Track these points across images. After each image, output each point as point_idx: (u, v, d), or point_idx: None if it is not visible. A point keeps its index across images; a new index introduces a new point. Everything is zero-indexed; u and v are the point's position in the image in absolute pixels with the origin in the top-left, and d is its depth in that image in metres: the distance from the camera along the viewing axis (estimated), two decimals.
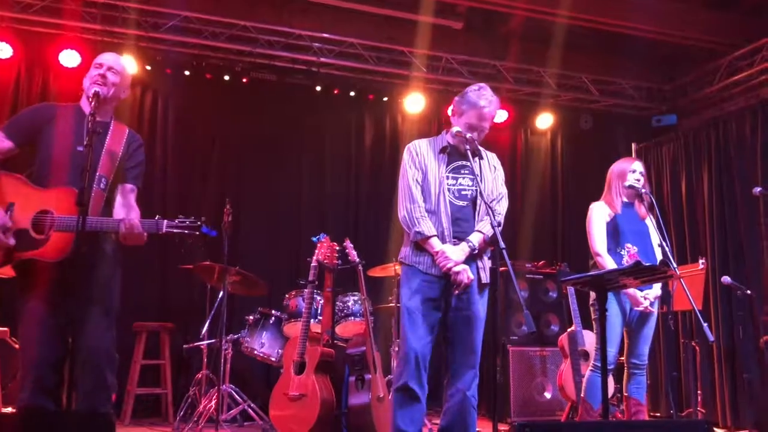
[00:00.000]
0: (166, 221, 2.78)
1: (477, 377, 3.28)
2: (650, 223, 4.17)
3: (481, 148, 3.42)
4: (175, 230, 2.77)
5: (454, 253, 3.19)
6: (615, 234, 4.04)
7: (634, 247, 4.01)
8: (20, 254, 2.76)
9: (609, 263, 3.93)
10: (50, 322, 2.70)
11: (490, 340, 3.53)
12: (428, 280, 3.26)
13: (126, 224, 2.74)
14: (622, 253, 4.00)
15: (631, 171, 4.16)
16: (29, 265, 2.78)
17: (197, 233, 2.77)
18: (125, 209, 2.91)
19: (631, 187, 4.10)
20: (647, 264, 3.17)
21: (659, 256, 4.09)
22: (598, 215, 4.10)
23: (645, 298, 3.96)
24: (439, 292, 3.26)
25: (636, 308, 3.98)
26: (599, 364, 3.92)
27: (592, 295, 4.10)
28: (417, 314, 3.24)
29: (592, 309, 4.09)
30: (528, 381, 5.81)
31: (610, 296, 3.88)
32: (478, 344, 3.28)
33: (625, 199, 4.16)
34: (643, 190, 4.24)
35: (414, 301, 3.26)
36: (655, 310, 4.05)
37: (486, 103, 3.31)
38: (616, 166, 4.25)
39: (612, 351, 3.89)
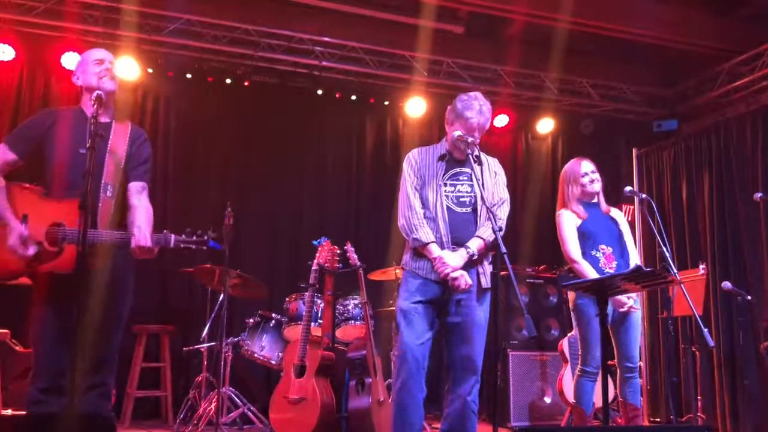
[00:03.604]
0: (173, 236, 2.80)
1: (478, 383, 3.28)
2: (616, 215, 4.13)
3: (482, 154, 3.42)
4: (182, 245, 2.80)
5: (452, 259, 3.19)
6: (587, 237, 3.98)
7: (609, 248, 3.97)
8: (37, 267, 2.78)
9: (587, 269, 3.87)
10: (61, 328, 2.71)
11: (490, 345, 3.52)
12: (426, 284, 3.28)
13: (136, 239, 2.75)
14: (597, 255, 3.95)
15: (583, 174, 4.09)
16: (42, 275, 2.79)
17: (204, 248, 2.79)
18: (140, 211, 2.90)
19: (587, 192, 4.06)
20: (648, 269, 3.17)
21: (632, 252, 4.06)
22: (568, 221, 4.03)
23: (629, 297, 3.91)
24: (437, 295, 3.27)
25: (621, 309, 3.90)
26: (588, 369, 3.91)
27: (570, 299, 4.06)
28: (412, 314, 3.25)
29: (573, 314, 4.06)
30: (528, 385, 5.81)
31: (589, 301, 3.82)
32: (478, 350, 3.28)
33: (584, 200, 4.09)
34: (644, 195, 4.23)
35: (410, 301, 3.28)
36: (638, 307, 4.00)
37: (472, 114, 3.28)
38: (567, 171, 4.18)
39: (596, 355, 3.86)
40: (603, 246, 3.97)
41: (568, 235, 4.00)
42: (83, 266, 2.54)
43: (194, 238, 2.79)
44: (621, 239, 4.06)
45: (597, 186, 4.10)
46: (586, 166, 4.12)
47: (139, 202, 2.95)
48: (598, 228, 4.01)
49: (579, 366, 3.98)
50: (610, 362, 4.08)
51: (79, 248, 2.53)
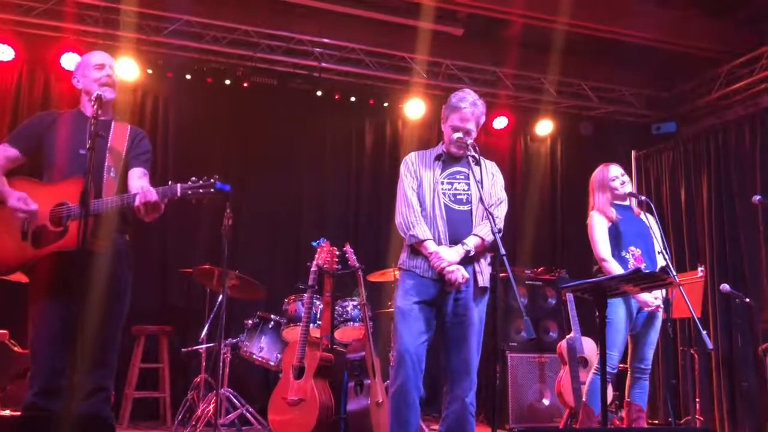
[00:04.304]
0: (179, 184, 2.78)
1: (475, 384, 3.27)
2: (645, 218, 4.19)
3: (478, 156, 3.43)
4: (190, 192, 2.76)
5: (448, 254, 3.19)
6: (617, 238, 4.06)
7: (638, 250, 4.03)
8: (44, 249, 2.77)
9: (615, 268, 3.94)
10: (60, 326, 2.70)
11: (489, 347, 3.53)
12: (423, 283, 3.27)
13: (141, 195, 2.73)
14: (627, 256, 4.01)
15: (613, 178, 4.17)
16: (40, 268, 2.79)
17: (212, 191, 2.76)
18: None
19: (619, 195, 4.13)
20: (647, 271, 3.18)
21: (659, 256, 4.10)
22: (599, 223, 4.11)
23: (655, 297, 3.97)
24: (435, 294, 3.26)
25: (648, 309, 3.97)
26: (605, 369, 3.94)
27: None
28: (410, 314, 3.24)
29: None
30: (526, 387, 5.81)
31: (618, 300, 3.90)
32: (475, 350, 3.27)
33: (617, 202, 4.17)
34: (643, 197, 4.26)
35: (407, 301, 3.27)
36: (662, 306, 4.05)
37: (466, 104, 3.37)
38: (596, 178, 4.26)
39: (615, 355, 3.90)
40: (633, 248, 4.04)
41: (598, 235, 4.08)
42: (85, 243, 2.51)
43: (200, 183, 2.76)
44: (651, 241, 4.11)
45: (628, 187, 4.20)
46: (615, 170, 4.22)
47: (140, 184, 2.95)
48: (629, 230, 4.09)
49: (596, 365, 4.03)
50: (621, 365, 4.13)
51: (80, 230, 2.51)
